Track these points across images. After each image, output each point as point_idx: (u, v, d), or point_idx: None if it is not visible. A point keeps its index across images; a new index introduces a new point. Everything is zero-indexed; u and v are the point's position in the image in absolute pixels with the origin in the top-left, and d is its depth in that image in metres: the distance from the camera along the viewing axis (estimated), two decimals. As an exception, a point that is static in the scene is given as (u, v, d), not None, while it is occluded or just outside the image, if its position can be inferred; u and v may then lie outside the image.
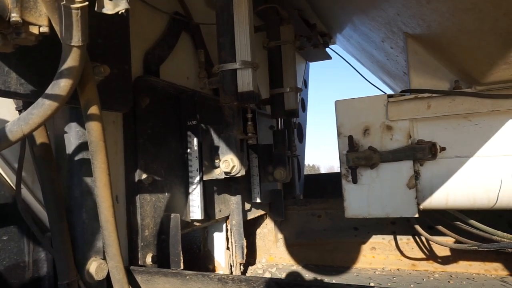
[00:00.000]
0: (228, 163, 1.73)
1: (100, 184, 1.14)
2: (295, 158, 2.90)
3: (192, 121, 1.89)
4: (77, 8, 0.84)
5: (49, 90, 0.93)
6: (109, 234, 1.18)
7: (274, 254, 2.80)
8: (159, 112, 1.77)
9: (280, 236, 2.80)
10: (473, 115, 1.64)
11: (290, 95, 2.52)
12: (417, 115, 1.71)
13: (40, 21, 0.88)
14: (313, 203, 2.79)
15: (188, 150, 1.89)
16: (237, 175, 1.77)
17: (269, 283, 1.07)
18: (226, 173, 1.76)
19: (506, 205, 1.61)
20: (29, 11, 0.85)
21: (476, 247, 1.76)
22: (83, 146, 1.29)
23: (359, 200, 1.76)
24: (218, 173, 1.79)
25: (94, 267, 1.25)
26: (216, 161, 1.80)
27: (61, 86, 0.93)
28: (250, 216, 2.49)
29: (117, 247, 1.20)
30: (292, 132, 2.96)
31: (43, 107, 0.92)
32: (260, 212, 2.65)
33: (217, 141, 1.82)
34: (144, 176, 1.61)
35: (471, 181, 1.64)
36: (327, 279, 2.34)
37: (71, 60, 0.91)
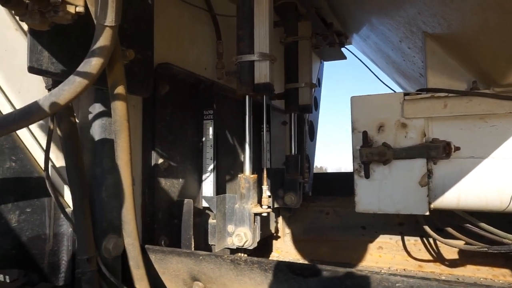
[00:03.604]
0: (241, 237, 1.71)
1: (122, 163, 1.18)
2: (306, 184, 2.91)
3: (208, 110, 1.93)
4: (113, -11, 0.88)
5: (80, 68, 0.97)
6: (127, 211, 1.22)
7: (280, 248, 2.83)
8: (178, 99, 1.81)
9: (287, 231, 2.82)
10: (489, 116, 1.63)
11: (305, 90, 2.54)
12: (433, 114, 1.71)
13: (77, 1, 0.92)
14: (322, 200, 2.80)
15: (204, 139, 1.92)
16: (249, 248, 1.76)
17: (281, 266, 1.10)
18: (238, 245, 1.75)
19: (518, 208, 1.60)
20: (67, -9, 0.90)
21: (486, 249, 1.75)
22: (106, 127, 1.33)
23: (370, 195, 1.77)
24: (230, 243, 1.78)
25: (111, 243, 1.29)
26: (229, 230, 1.78)
27: (92, 64, 0.97)
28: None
29: (134, 224, 1.24)
30: (303, 128, 2.97)
31: (74, 84, 0.97)
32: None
33: (231, 210, 1.79)
34: (160, 160, 1.65)
35: (484, 183, 1.64)
36: (333, 275, 2.35)
37: (103, 40, 0.95)
